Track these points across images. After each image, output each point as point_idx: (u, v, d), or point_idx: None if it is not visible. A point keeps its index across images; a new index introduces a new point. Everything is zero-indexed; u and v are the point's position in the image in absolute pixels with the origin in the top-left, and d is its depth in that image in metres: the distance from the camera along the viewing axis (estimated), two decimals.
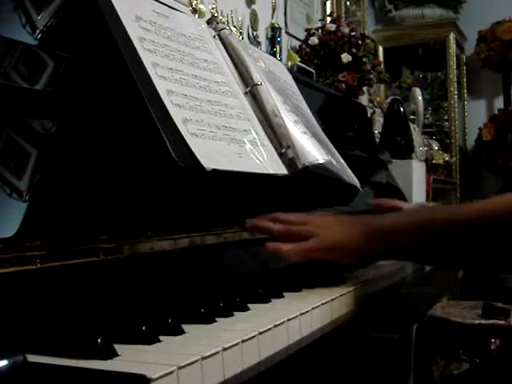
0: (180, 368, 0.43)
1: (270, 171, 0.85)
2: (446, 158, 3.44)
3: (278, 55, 2.21)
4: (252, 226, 0.80)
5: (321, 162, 0.99)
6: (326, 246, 0.76)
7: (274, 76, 1.10)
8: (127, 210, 0.65)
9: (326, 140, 1.14)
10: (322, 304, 0.68)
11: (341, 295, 0.74)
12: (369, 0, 3.75)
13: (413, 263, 1.05)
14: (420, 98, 2.95)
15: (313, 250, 0.76)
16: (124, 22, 0.76)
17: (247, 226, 0.80)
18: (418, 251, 0.76)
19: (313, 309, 0.65)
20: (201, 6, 1.71)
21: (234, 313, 0.62)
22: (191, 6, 1.69)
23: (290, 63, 2.19)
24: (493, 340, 2.08)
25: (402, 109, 1.99)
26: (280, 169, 0.88)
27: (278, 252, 0.75)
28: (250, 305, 0.66)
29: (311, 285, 0.79)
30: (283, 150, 0.91)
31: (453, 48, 3.76)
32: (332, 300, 0.71)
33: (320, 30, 2.37)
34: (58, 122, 0.63)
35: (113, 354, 0.46)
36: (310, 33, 2.35)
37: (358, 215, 0.89)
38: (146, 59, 0.75)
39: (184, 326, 0.54)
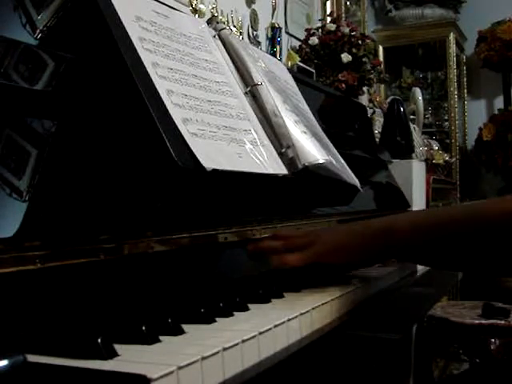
0: (180, 368, 0.43)
1: (270, 171, 0.85)
2: (446, 158, 3.44)
3: (278, 55, 2.22)
4: (254, 248, 0.80)
5: (321, 161, 0.99)
6: (325, 248, 0.78)
7: (274, 76, 1.10)
8: (127, 210, 0.65)
9: (326, 140, 1.14)
10: (322, 304, 0.68)
11: (341, 295, 0.74)
12: (369, 0, 3.75)
13: (409, 263, 1.06)
14: (420, 98, 2.94)
15: (313, 255, 0.77)
16: (124, 22, 0.76)
17: (250, 249, 0.80)
18: (415, 249, 0.76)
19: (313, 309, 0.65)
20: (201, 6, 1.71)
21: (234, 313, 0.62)
22: (191, 5, 1.69)
23: (290, 63, 2.19)
24: (493, 340, 2.08)
25: (402, 109, 1.98)
26: (280, 169, 0.88)
27: (282, 263, 0.77)
28: (249, 305, 0.66)
29: (311, 285, 0.79)
30: (283, 150, 0.91)
31: (453, 48, 3.76)
32: (332, 300, 0.71)
33: (320, 30, 2.37)
34: (58, 121, 0.63)
35: (113, 354, 0.46)
36: (310, 33, 2.35)
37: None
38: (146, 59, 0.75)
39: (184, 326, 0.54)
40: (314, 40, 2.29)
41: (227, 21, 1.89)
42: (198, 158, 0.71)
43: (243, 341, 0.51)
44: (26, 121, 0.60)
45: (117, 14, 0.75)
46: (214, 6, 1.81)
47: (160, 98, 0.73)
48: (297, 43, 2.47)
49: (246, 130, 0.87)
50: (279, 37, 2.25)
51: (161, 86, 0.74)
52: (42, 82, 0.65)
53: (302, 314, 0.63)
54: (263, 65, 1.07)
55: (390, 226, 0.76)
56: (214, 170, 0.72)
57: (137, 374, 0.41)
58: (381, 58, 3.60)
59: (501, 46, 3.61)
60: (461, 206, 0.84)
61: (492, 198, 0.82)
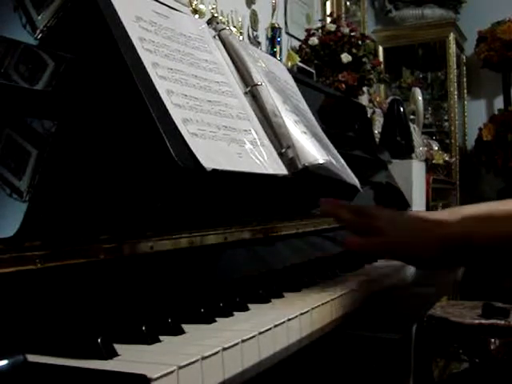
0: (180, 368, 0.43)
1: (270, 171, 0.85)
2: (446, 158, 3.44)
3: (278, 55, 2.22)
4: (328, 209, 0.84)
5: (321, 162, 0.99)
6: (395, 241, 0.76)
7: (274, 76, 1.10)
8: (127, 209, 0.65)
9: (326, 140, 1.13)
10: (322, 304, 0.68)
11: (341, 295, 0.74)
12: (369, 0, 3.75)
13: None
14: (420, 98, 2.94)
15: (381, 245, 0.77)
16: (124, 22, 0.76)
17: (323, 209, 0.85)
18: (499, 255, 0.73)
19: (313, 309, 0.65)
20: (201, 7, 1.71)
21: (234, 313, 0.62)
22: (191, 6, 1.69)
23: (290, 63, 2.19)
24: (493, 340, 2.08)
25: (401, 109, 1.99)
26: (280, 169, 0.88)
27: (353, 246, 0.78)
28: (250, 305, 0.66)
29: (311, 285, 0.80)
30: (283, 150, 0.91)
31: (453, 48, 3.77)
32: (332, 300, 0.71)
33: (320, 30, 2.37)
34: (58, 121, 0.63)
35: (113, 354, 0.46)
36: (309, 33, 2.36)
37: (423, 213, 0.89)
38: (146, 59, 0.75)
39: (184, 326, 0.55)
40: (314, 40, 2.29)
41: (227, 21, 1.89)
42: (198, 158, 0.71)
43: (243, 341, 0.51)
44: (26, 121, 0.60)
45: (117, 14, 0.75)
46: (214, 6, 1.81)
47: (160, 98, 0.73)
48: (297, 43, 2.47)
49: (245, 130, 0.87)
50: (279, 37, 2.25)
51: (161, 86, 0.74)
52: (42, 82, 0.65)
53: (302, 313, 0.63)
54: (263, 65, 1.07)
55: (470, 234, 0.73)
56: (214, 170, 0.72)
57: (137, 374, 0.41)
58: (381, 58, 3.60)
59: (501, 46, 3.61)
60: None
61: None
